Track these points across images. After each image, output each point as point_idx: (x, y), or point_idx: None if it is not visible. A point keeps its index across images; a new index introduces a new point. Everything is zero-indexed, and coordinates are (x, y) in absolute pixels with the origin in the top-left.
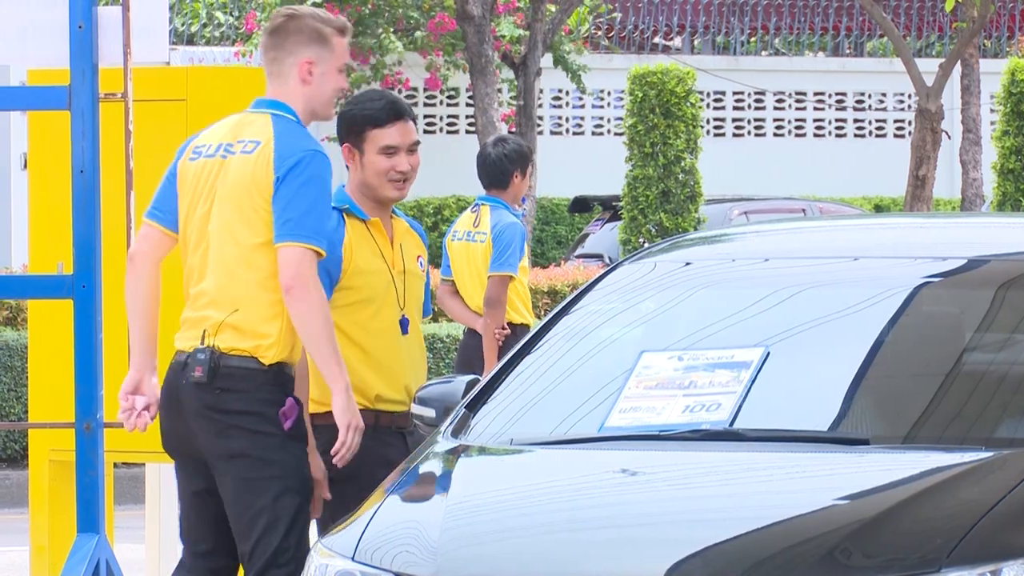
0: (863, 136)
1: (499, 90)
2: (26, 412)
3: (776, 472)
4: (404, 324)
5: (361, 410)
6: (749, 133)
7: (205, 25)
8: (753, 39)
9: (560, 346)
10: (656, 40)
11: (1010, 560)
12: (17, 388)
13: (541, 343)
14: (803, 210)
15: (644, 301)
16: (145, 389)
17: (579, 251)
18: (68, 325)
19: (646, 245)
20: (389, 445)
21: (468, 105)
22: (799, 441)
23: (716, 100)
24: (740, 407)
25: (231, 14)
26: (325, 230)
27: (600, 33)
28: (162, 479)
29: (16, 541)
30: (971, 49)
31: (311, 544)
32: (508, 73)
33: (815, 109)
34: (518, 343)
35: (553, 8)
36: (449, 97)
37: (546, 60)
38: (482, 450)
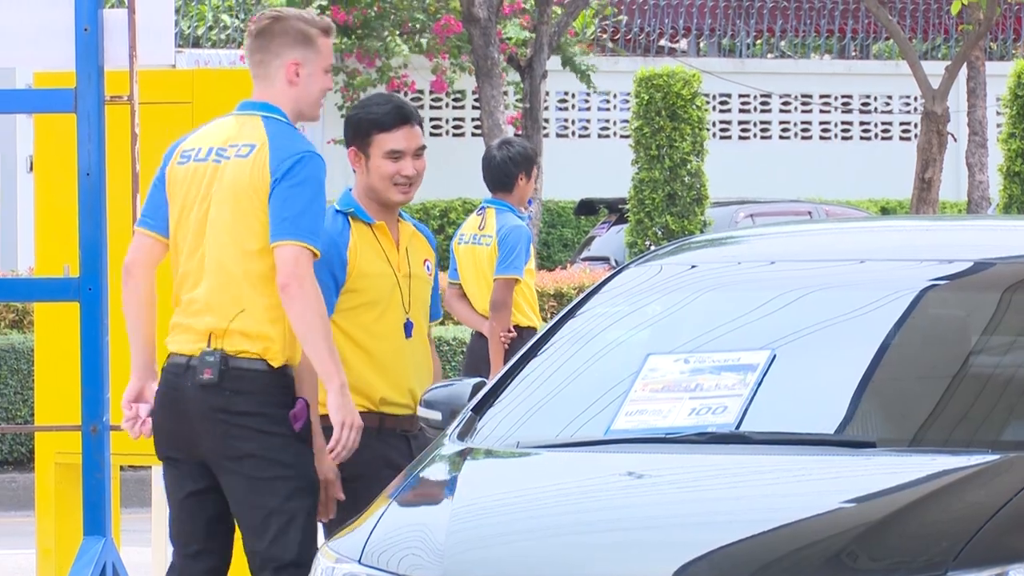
0: (869, 139)
1: (505, 93)
2: (32, 415)
3: (782, 475)
4: (408, 327)
5: (365, 413)
6: (755, 136)
7: (211, 28)
8: (759, 42)
9: (566, 349)
10: (662, 43)
11: (1017, 563)
12: (23, 391)
13: (547, 346)
14: (809, 213)
15: (650, 304)
16: (148, 396)
17: (585, 254)
18: (74, 328)
19: (652, 248)
20: (393, 448)
21: (474, 108)
22: (805, 444)
23: (722, 103)
24: (746, 410)
25: (237, 17)
26: (321, 230)
27: (606, 36)
28: None
29: (22, 544)
30: (977, 52)
31: (318, 546)
32: (514, 76)
33: (821, 111)
34: (524, 346)
35: (559, 11)
36: (455, 100)
37: (552, 63)
38: (488, 453)
